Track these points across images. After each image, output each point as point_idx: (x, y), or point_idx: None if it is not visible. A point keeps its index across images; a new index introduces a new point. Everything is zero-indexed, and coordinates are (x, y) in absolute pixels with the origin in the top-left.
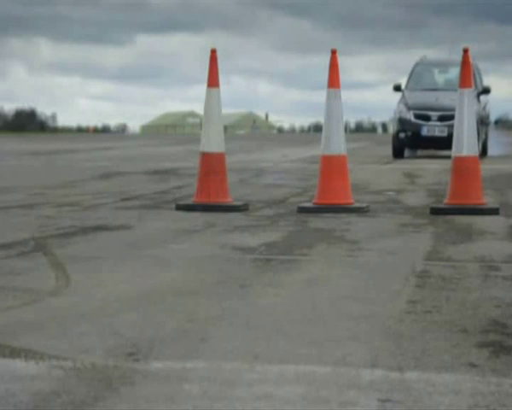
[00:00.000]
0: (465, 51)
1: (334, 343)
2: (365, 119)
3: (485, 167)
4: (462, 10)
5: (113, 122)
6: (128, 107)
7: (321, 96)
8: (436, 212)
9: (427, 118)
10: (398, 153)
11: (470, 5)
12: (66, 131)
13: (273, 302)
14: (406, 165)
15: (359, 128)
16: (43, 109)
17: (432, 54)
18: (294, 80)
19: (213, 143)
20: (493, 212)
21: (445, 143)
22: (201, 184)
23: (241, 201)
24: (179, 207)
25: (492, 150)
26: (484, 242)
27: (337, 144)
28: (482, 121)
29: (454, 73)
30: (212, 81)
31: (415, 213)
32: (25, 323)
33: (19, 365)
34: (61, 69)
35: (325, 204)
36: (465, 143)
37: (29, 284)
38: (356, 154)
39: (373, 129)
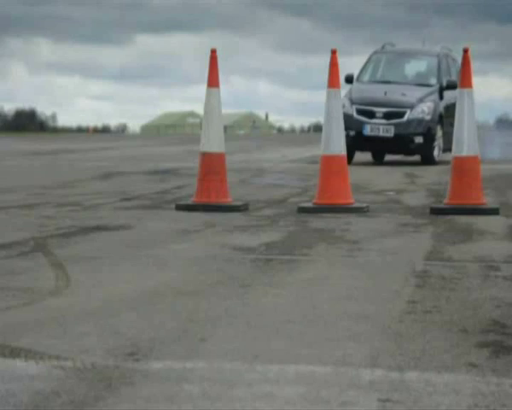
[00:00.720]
0: (465, 51)
1: (334, 343)
2: None
3: (486, 167)
4: (462, 10)
5: (113, 122)
6: (128, 107)
7: (321, 96)
8: (436, 212)
9: (371, 115)
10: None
11: (470, 5)
12: (66, 131)
13: (273, 302)
14: (406, 165)
15: None
16: (43, 109)
17: (401, 42)
18: (294, 80)
19: (213, 143)
20: (493, 212)
21: (391, 144)
22: (201, 184)
23: (241, 201)
24: (179, 208)
25: (493, 153)
26: (484, 242)
27: (337, 144)
28: (442, 120)
29: (416, 64)
30: (212, 81)
31: (415, 213)
32: (25, 323)
33: (19, 365)
34: (61, 69)
35: (325, 204)
36: (465, 143)
37: (29, 284)
38: (356, 154)
39: None
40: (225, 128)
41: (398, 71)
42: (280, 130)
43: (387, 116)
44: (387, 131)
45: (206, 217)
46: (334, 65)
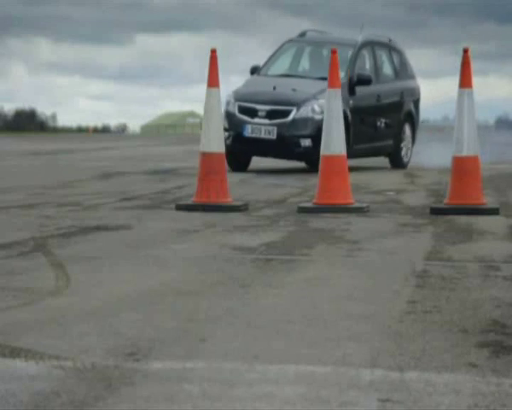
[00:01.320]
0: (465, 51)
1: (334, 343)
2: None
3: (486, 167)
4: (462, 10)
5: (113, 122)
6: (128, 107)
7: None
8: (436, 212)
9: (254, 113)
10: (233, 162)
11: (470, 5)
12: (66, 131)
13: (273, 302)
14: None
15: None
16: (43, 109)
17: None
18: None
19: (213, 143)
20: (493, 212)
21: (274, 148)
22: (201, 184)
23: (241, 201)
24: (179, 207)
25: (492, 154)
26: (484, 242)
27: (337, 144)
28: (348, 121)
29: (329, 55)
30: (212, 81)
31: (415, 213)
32: (25, 323)
33: (19, 365)
34: (60, 69)
35: (325, 204)
36: (465, 143)
37: (29, 284)
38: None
39: None
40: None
41: (306, 63)
42: None
43: (270, 115)
44: (270, 132)
45: (206, 217)
46: (334, 65)
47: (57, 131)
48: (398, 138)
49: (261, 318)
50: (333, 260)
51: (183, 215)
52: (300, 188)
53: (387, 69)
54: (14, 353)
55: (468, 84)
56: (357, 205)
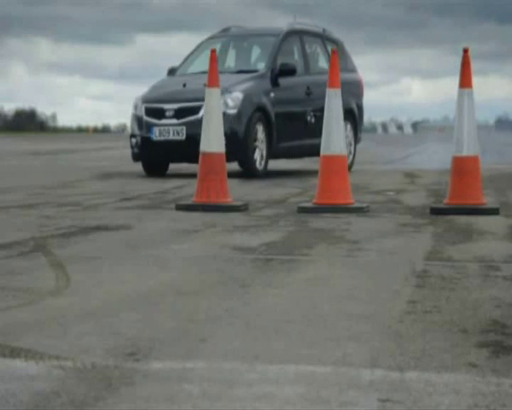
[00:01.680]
0: (465, 51)
1: (334, 343)
2: (365, 119)
3: (486, 167)
4: (462, 10)
5: (113, 122)
6: (128, 107)
7: None
8: (436, 212)
9: (161, 114)
10: (147, 168)
11: (470, 5)
12: (66, 131)
13: (273, 302)
14: (406, 165)
15: None
16: (43, 109)
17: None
18: None
19: (213, 143)
20: (493, 212)
21: (184, 150)
22: (201, 184)
23: (241, 201)
24: (179, 207)
25: (491, 155)
26: (484, 242)
27: (337, 144)
28: (269, 116)
29: (252, 48)
30: (212, 81)
31: (415, 213)
32: (25, 323)
33: (19, 365)
34: (61, 69)
35: (325, 204)
36: (465, 143)
37: (29, 284)
38: (356, 154)
39: (373, 129)
40: None
41: (228, 58)
42: None
43: (179, 114)
44: (179, 132)
45: (206, 217)
46: (334, 65)
47: (57, 131)
48: None
49: (261, 318)
50: (333, 260)
51: (183, 215)
52: (300, 188)
53: (321, 60)
54: (14, 353)
55: (468, 84)
56: (357, 205)
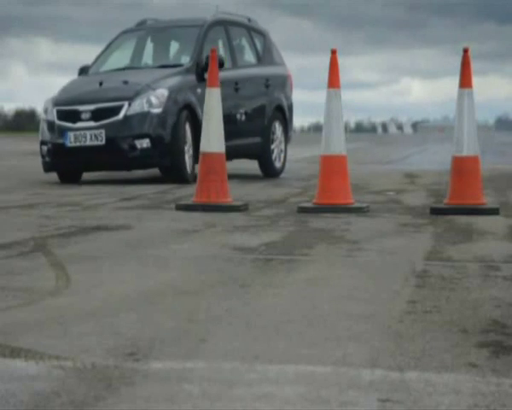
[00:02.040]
0: (465, 51)
1: (334, 343)
2: (365, 119)
3: (486, 167)
4: (462, 10)
5: None
6: None
7: (321, 96)
8: (436, 212)
9: (76, 116)
10: (61, 176)
11: (470, 5)
12: None
13: (273, 302)
14: (406, 165)
15: (359, 128)
16: None
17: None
18: (294, 80)
19: (213, 143)
20: (493, 212)
21: (104, 156)
22: (201, 184)
23: (241, 201)
24: (179, 207)
25: (491, 156)
26: (484, 242)
27: (337, 144)
28: (196, 116)
29: (173, 41)
30: (212, 81)
31: (415, 213)
32: (25, 323)
33: (19, 365)
34: (60, 69)
35: (325, 204)
36: (465, 143)
37: (29, 284)
38: (356, 154)
39: (373, 129)
40: None
41: (147, 52)
42: None
43: (97, 115)
44: (97, 137)
45: (206, 217)
46: (334, 65)
47: None
48: (267, 138)
49: (261, 318)
50: (333, 260)
51: (183, 215)
52: (300, 188)
53: (248, 53)
54: (14, 353)
55: (468, 84)
56: (357, 205)
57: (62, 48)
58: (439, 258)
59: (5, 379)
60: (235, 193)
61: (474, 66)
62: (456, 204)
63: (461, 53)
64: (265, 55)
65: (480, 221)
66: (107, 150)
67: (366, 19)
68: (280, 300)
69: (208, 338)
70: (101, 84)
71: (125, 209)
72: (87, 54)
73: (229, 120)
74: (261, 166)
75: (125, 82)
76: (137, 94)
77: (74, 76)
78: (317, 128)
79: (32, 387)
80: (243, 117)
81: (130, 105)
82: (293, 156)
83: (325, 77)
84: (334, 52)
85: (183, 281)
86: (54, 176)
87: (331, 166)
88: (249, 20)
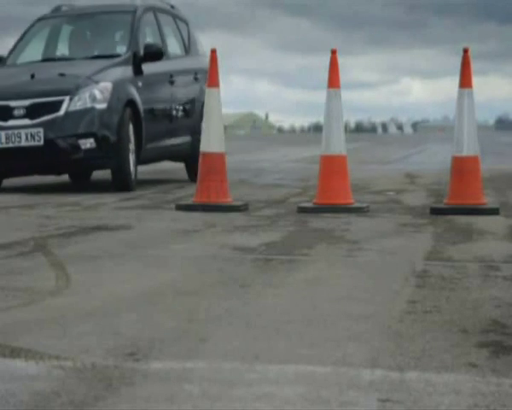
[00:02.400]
0: (465, 51)
1: (334, 343)
2: (365, 119)
3: (486, 167)
4: (462, 10)
5: None
6: None
7: (321, 96)
8: (436, 212)
9: (7, 113)
10: None
11: (470, 5)
12: None
13: (273, 302)
14: (406, 165)
15: (359, 128)
16: None
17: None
18: (294, 80)
19: (213, 143)
20: (493, 212)
21: (42, 159)
22: (201, 184)
23: (241, 201)
24: (179, 207)
25: (491, 156)
26: (484, 242)
27: (337, 144)
28: (139, 112)
29: (102, 27)
30: (212, 81)
31: (415, 213)
32: (25, 323)
33: (19, 365)
34: None
35: (325, 204)
36: (465, 143)
37: (29, 284)
38: (356, 154)
39: (373, 129)
40: (225, 128)
41: (71, 42)
42: (280, 130)
43: (32, 112)
44: (34, 136)
45: (206, 217)
46: (334, 65)
47: None
48: (197, 137)
49: (261, 318)
50: (333, 260)
51: (183, 215)
52: (300, 188)
53: (176, 43)
54: (14, 353)
55: (468, 84)
56: (357, 205)
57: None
58: (439, 258)
59: (5, 379)
60: (235, 193)
61: (474, 66)
62: (456, 204)
63: (461, 53)
64: (191, 45)
65: (480, 221)
66: (46, 152)
67: (366, 19)
68: (280, 300)
69: (208, 338)
70: (32, 76)
71: (125, 209)
72: None
73: (166, 116)
74: (189, 169)
75: (62, 74)
76: (79, 87)
77: None
78: (317, 128)
79: (31, 387)
80: (179, 113)
81: (71, 100)
82: (293, 156)
83: (325, 77)
84: (334, 52)
85: (183, 281)
86: (54, 177)
87: (331, 166)
88: (172, 6)
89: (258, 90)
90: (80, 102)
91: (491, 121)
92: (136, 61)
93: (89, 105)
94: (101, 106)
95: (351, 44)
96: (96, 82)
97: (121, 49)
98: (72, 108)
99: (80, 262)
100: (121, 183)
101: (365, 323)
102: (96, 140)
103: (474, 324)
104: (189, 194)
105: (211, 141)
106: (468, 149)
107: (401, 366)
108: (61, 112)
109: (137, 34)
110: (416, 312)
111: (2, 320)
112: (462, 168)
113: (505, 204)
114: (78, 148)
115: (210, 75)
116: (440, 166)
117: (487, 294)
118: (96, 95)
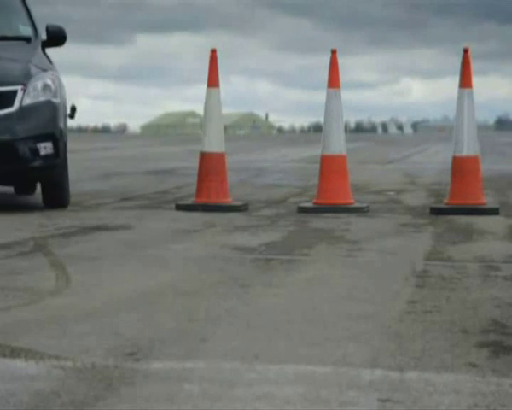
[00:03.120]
0: (465, 51)
1: (334, 343)
2: (365, 119)
3: (485, 167)
4: (462, 10)
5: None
6: (128, 107)
7: (321, 96)
8: (436, 212)
9: None
10: None
11: (470, 5)
12: None
13: (273, 302)
14: (406, 165)
15: (359, 128)
16: None
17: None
18: (294, 80)
19: (213, 143)
20: (493, 212)
21: None
22: (201, 184)
23: (241, 201)
24: (179, 207)
25: (491, 157)
26: (484, 242)
27: (337, 144)
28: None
29: None
30: (212, 81)
31: (415, 213)
32: (25, 323)
33: (19, 365)
34: (61, 69)
35: (325, 204)
36: (465, 143)
37: (29, 284)
38: (356, 154)
39: (373, 129)
40: (225, 128)
41: None
42: (280, 130)
43: None
44: None
45: (206, 217)
46: (334, 65)
47: None
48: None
49: (261, 318)
50: (333, 260)
51: (183, 215)
52: (300, 188)
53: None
54: (14, 353)
55: (468, 84)
56: (357, 205)
57: (62, 48)
58: (439, 258)
59: (5, 379)
60: (235, 193)
61: (474, 66)
62: (456, 204)
63: (461, 53)
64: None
65: (480, 221)
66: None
67: (366, 19)
68: (280, 300)
69: (208, 338)
70: None
71: (125, 209)
72: (87, 54)
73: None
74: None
75: (13, 59)
76: (29, 76)
77: (74, 76)
78: (317, 128)
79: (32, 387)
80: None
81: (25, 92)
82: (293, 156)
83: (325, 77)
84: (334, 52)
85: (183, 281)
86: None
87: (331, 166)
88: None
89: (258, 90)
90: (35, 94)
91: (491, 121)
92: (42, 47)
93: (46, 98)
94: (57, 100)
95: (351, 44)
96: (44, 69)
97: (26, 31)
98: (27, 102)
99: (80, 262)
100: (59, 198)
101: (365, 323)
102: (54, 144)
103: (474, 324)
104: (189, 194)
105: (211, 141)
106: (468, 149)
107: (401, 366)
108: (15, 106)
109: (31, 15)
110: (416, 312)
111: (2, 320)
112: (462, 168)
113: (505, 204)
114: (36, 152)
115: (210, 75)
116: (440, 166)
117: (487, 294)
118: (50, 85)
